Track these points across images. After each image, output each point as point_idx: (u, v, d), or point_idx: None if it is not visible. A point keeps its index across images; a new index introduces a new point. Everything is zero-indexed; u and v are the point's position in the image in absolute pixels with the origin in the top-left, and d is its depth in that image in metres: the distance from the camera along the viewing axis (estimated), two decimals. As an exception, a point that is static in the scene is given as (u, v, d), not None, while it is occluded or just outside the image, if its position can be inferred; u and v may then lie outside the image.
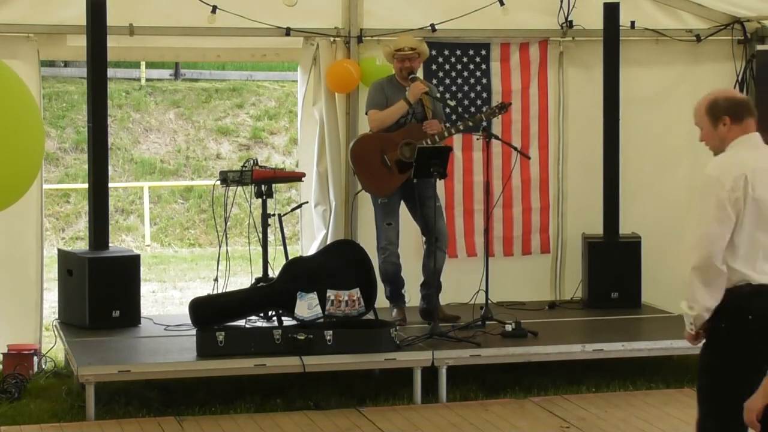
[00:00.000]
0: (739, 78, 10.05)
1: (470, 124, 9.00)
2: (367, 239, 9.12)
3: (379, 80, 9.00)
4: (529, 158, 9.59)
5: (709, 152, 5.21)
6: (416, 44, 8.85)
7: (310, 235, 9.78)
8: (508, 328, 8.51)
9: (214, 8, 9.11)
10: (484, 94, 9.85)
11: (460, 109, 9.72)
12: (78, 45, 9.04)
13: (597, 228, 9.72)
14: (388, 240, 8.84)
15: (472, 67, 9.89)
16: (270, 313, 8.51)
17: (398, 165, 8.76)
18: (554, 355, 8.37)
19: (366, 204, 9.22)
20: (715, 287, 4.99)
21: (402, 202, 8.91)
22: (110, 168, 11.70)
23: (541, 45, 9.97)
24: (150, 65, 19.04)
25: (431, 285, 8.88)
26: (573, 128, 10.07)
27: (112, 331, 8.51)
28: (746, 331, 5.01)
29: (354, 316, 8.18)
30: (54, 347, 8.87)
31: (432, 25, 9.65)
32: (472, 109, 9.76)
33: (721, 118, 5.11)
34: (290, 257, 8.75)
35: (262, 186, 8.89)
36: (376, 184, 8.84)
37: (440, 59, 9.80)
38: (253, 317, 8.50)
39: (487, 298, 8.80)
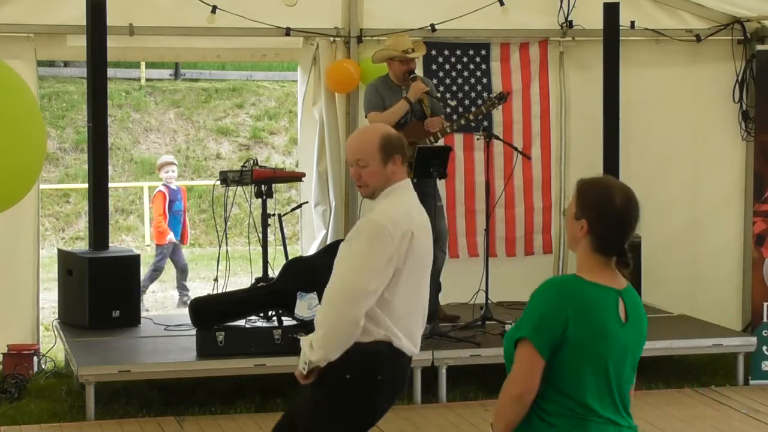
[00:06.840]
0: (739, 78, 10.05)
1: (471, 118, 9.00)
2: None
3: (372, 82, 8.98)
4: (529, 158, 9.59)
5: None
6: (417, 44, 8.86)
7: (310, 235, 9.78)
8: (508, 327, 8.49)
9: (214, 8, 9.11)
10: (485, 94, 9.83)
11: (460, 109, 9.72)
12: (78, 45, 9.04)
13: (598, 228, 9.70)
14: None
15: (472, 67, 9.88)
16: (270, 313, 8.51)
17: (405, 165, 8.74)
18: (554, 355, 8.36)
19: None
20: (349, 343, 4.64)
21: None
22: (110, 168, 11.69)
23: (541, 45, 9.97)
24: (150, 65, 19.03)
25: (430, 285, 8.86)
26: (574, 128, 10.07)
27: (112, 331, 8.50)
28: (372, 390, 4.76)
29: (354, 316, 8.16)
30: (54, 347, 8.87)
31: (432, 25, 9.65)
32: (473, 109, 9.75)
33: (393, 156, 4.79)
34: (290, 257, 8.74)
35: (262, 186, 8.88)
36: None
37: (440, 59, 9.80)
38: (253, 317, 8.49)
39: (487, 298, 8.80)
